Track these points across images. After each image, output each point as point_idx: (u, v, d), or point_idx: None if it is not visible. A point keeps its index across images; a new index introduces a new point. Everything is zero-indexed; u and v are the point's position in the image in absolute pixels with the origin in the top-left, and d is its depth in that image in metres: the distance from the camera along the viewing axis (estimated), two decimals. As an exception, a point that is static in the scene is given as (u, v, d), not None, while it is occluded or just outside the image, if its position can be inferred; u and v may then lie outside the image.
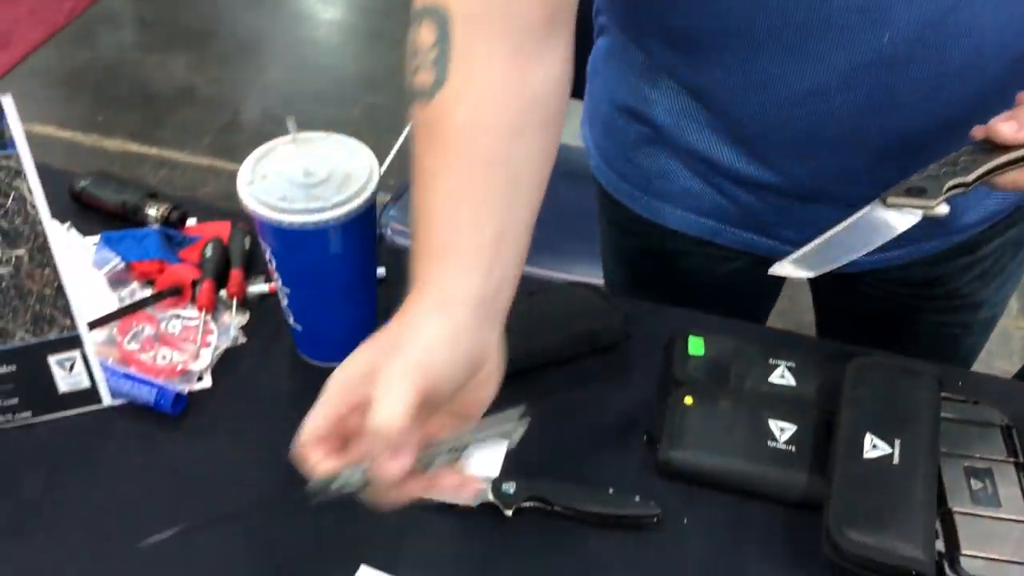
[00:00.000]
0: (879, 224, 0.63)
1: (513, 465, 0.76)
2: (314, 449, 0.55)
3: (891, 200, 0.63)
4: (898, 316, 0.95)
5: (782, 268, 0.61)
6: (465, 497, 0.67)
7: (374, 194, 0.74)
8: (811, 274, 0.63)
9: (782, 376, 0.80)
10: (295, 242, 0.72)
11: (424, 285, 0.56)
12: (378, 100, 2.60)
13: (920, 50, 0.64)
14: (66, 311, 0.75)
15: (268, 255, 0.76)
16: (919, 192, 0.63)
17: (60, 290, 0.75)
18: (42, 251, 0.73)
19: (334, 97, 2.66)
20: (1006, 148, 0.62)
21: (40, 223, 0.72)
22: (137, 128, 2.51)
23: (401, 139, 2.37)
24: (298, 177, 0.72)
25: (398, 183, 1.55)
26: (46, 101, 2.62)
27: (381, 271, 0.92)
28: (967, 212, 0.81)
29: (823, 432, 0.75)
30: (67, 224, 0.93)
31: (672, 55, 0.76)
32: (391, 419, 0.50)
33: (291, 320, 0.81)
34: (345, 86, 2.74)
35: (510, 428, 0.58)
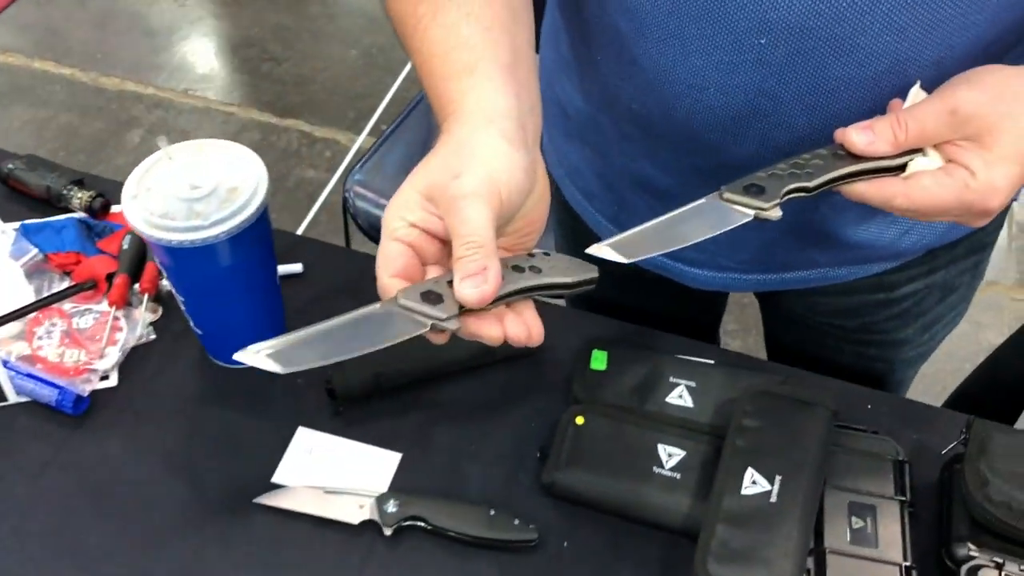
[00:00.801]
0: (708, 217, 0.59)
1: (403, 479, 0.77)
2: (389, 279, 0.52)
3: (727, 195, 0.59)
4: (824, 342, 0.93)
5: (599, 250, 0.59)
6: (535, 338, 0.55)
7: (263, 205, 0.73)
8: (626, 260, 0.58)
9: (680, 397, 0.79)
10: (182, 258, 0.72)
11: (460, 107, 0.55)
12: (379, 40, 2.57)
13: (799, 59, 0.60)
14: (-36, 312, 0.76)
15: (158, 262, 0.75)
16: (757, 191, 0.59)
17: (-44, 293, 0.75)
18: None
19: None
20: (858, 158, 0.59)
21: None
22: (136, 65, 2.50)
23: (391, 92, 2.36)
24: (182, 191, 0.71)
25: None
26: (46, 35, 2.61)
27: (298, 267, 0.91)
28: (864, 242, 0.77)
29: (713, 460, 0.74)
30: (-12, 211, 0.93)
31: (576, 36, 0.73)
32: (480, 228, 0.49)
33: (192, 325, 0.81)
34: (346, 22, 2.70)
35: (575, 269, 0.55)
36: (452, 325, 0.50)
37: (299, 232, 2.09)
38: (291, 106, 2.38)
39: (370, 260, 0.98)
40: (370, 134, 2.29)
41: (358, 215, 1.45)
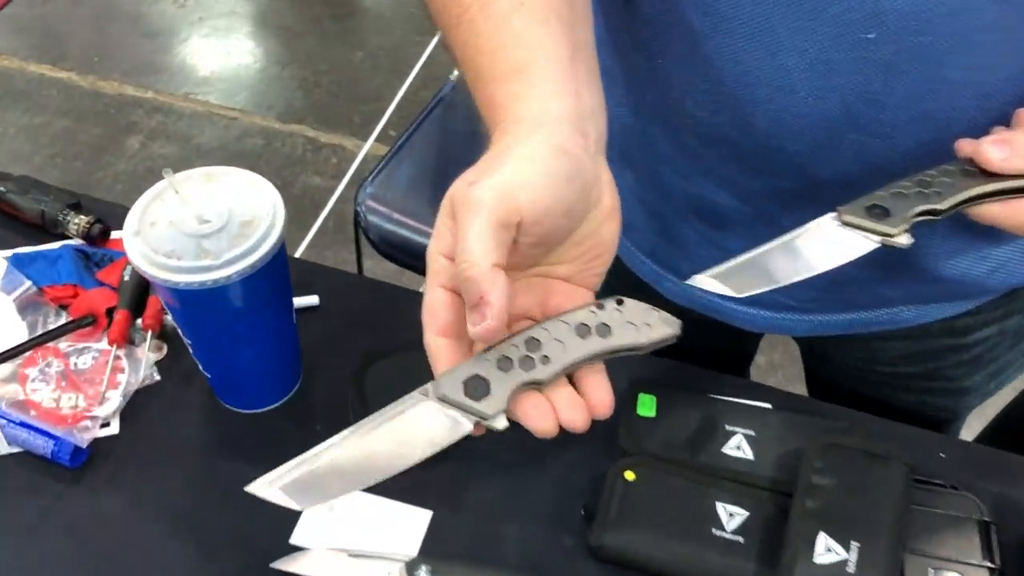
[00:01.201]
0: (826, 244, 0.52)
1: (434, 540, 0.70)
2: (434, 338, 0.45)
3: (847, 217, 0.51)
4: (878, 387, 0.85)
5: (702, 281, 0.52)
6: (600, 412, 0.48)
7: (279, 240, 0.66)
8: (734, 294, 0.52)
9: (738, 447, 0.71)
10: (190, 300, 0.65)
11: (510, 114, 0.47)
12: (385, 42, 2.49)
13: (911, 57, 0.52)
14: (-51, 358, 0.69)
15: (163, 302, 0.68)
16: (881, 214, 0.51)
17: (-60, 338, 0.68)
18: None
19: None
20: (991, 175, 0.51)
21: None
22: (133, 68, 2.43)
23: (399, 95, 2.29)
24: (190, 226, 0.64)
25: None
26: (42, 37, 2.54)
27: (313, 299, 0.84)
28: (948, 278, 0.69)
29: (778, 520, 0.67)
30: (-23, 238, 0.86)
31: (624, 41, 0.65)
32: (471, 245, 0.42)
33: (200, 367, 0.74)
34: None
35: (652, 324, 0.47)
36: (498, 425, 0.43)
37: (307, 240, 2.02)
38: (295, 111, 2.31)
39: (389, 290, 0.92)
40: (377, 140, 2.22)
41: (370, 230, 1.38)
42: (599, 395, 0.46)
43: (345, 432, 0.44)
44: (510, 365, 0.44)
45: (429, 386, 0.45)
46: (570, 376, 0.46)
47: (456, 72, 1.59)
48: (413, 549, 0.69)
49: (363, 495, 0.72)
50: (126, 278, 0.82)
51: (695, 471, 0.70)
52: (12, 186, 0.89)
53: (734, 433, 0.72)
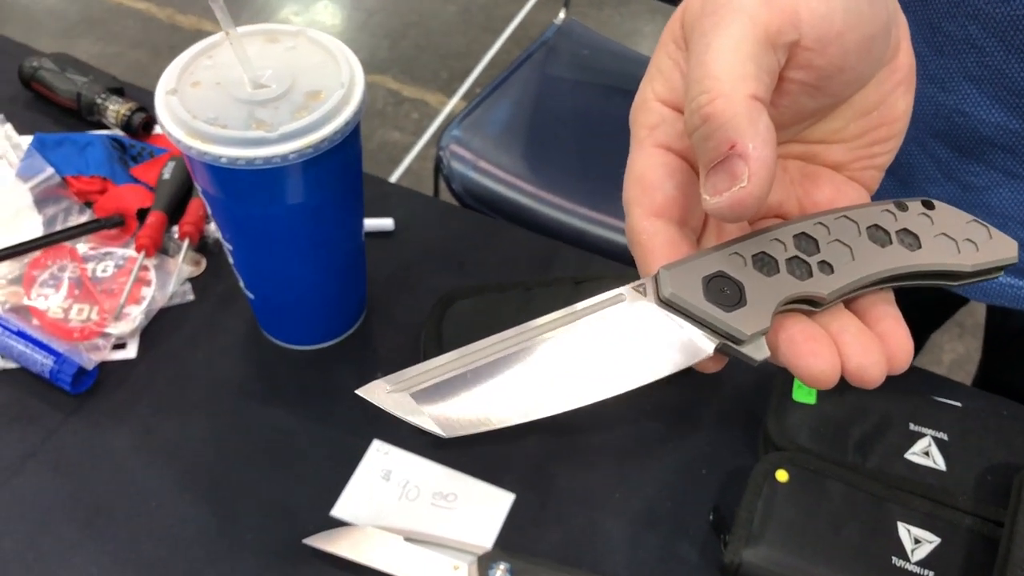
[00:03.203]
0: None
1: (514, 532, 0.54)
2: (648, 220, 0.30)
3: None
4: None
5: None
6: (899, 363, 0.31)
7: (354, 120, 0.50)
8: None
9: (926, 454, 0.54)
10: (234, 184, 0.50)
11: None
12: (478, -2, 2.33)
13: None
14: (-68, 242, 0.55)
15: (200, 191, 0.53)
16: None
17: (-78, 213, 0.54)
18: None
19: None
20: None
21: None
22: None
23: (491, 53, 2.12)
24: (241, 88, 0.49)
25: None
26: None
27: (387, 223, 0.69)
28: None
29: (980, 552, 0.49)
30: (0, 118, 0.72)
31: None
32: (721, 62, 0.26)
33: (241, 285, 0.59)
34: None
35: (979, 242, 0.31)
36: (757, 355, 0.27)
37: (376, 198, 1.88)
38: (379, 61, 2.17)
39: (475, 220, 0.76)
40: (463, 98, 2.06)
41: (452, 178, 1.22)
42: (896, 337, 0.29)
43: (508, 332, 0.28)
44: (774, 268, 0.28)
45: (646, 281, 0.28)
46: (847, 304, 0.30)
47: (563, 14, 1.43)
48: (488, 540, 0.53)
49: (427, 463, 0.56)
50: (165, 176, 0.68)
51: (868, 478, 0.53)
52: (48, 62, 0.76)
53: (921, 435, 0.55)
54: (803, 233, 0.29)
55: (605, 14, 2.23)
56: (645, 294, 0.28)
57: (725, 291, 0.27)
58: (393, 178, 1.91)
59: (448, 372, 0.26)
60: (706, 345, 0.27)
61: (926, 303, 0.75)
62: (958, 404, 0.57)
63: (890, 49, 0.30)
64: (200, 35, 2.23)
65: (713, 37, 0.26)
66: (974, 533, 0.51)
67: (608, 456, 0.57)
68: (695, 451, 0.57)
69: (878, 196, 0.59)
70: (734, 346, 0.27)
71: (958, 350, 1.58)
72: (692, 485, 0.56)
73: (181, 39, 2.21)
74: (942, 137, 0.53)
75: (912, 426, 0.55)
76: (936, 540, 0.50)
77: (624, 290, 0.28)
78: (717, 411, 0.59)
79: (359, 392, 0.26)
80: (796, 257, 0.28)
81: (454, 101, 2.06)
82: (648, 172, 0.29)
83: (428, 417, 0.26)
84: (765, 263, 0.28)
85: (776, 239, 0.29)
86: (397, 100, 2.07)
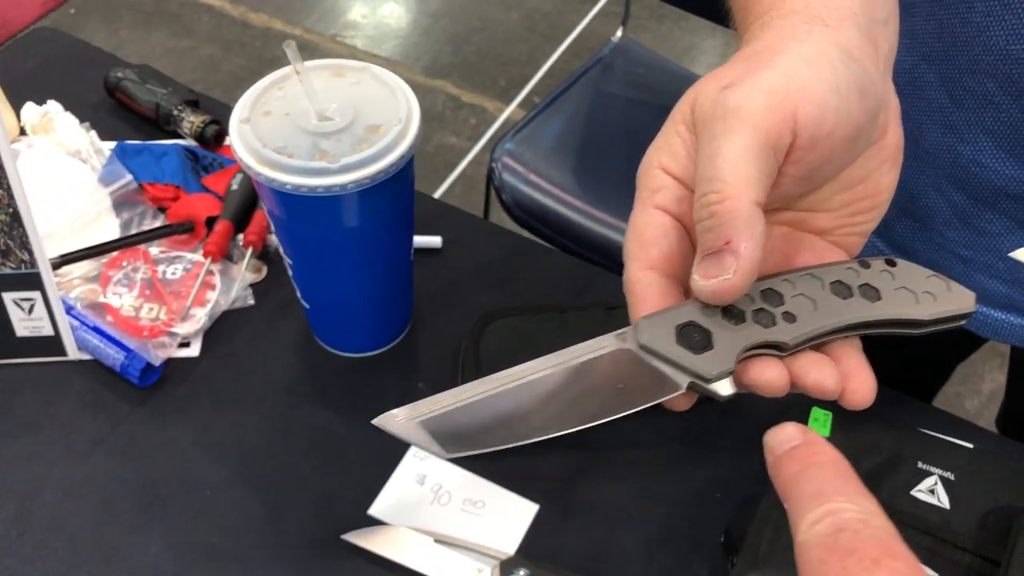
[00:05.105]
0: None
1: (537, 541, 0.58)
2: (642, 272, 0.35)
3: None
4: None
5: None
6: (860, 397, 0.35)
7: (409, 153, 0.55)
8: None
9: (932, 492, 0.57)
10: (297, 208, 0.54)
11: (775, 5, 0.36)
12: (543, 5, 2.37)
13: None
14: (23, 243, 0.61)
15: (265, 210, 0.58)
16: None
17: (16, 217, 0.60)
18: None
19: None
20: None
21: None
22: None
23: (550, 61, 2.17)
24: (308, 121, 0.54)
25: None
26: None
27: (436, 240, 0.73)
28: None
29: (976, 591, 0.52)
30: (85, 125, 0.78)
31: None
32: (729, 166, 0.30)
33: (298, 295, 0.64)
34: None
35: (937, 294, 0.34)
36: (723, 391, 0.31)
37: (431, 201, 1.93)
38: (441, 66, 2.22)
39: (520, 242, 0.80)
40: (520, 105, 2.11)
41: (503, 190, 1.27)
42: (858, 373, 0.33)
43: (509, 371, 0.32)
44: (740, 318, 0.32)
45: (628, 331, 0.33)
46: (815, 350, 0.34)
47: (620, 32, 1.46)
48: (511, 546, 0.57)
49: (459, 471, 0.60)
50: (234, 187, 0.73)
51: (874, 512, 0.56)
52: (131, 74, 0.81)
53: (929, 473, 0.57)
54: (770, 288, 0.33)
55: (665, 28, 2.26)
56: (626, 341, 0.32)
57: (695, 337, 0.31)
58: (447, 182, 1.96)
59: (449, 405, 0.31)
60: (679, 382, 0.31)
61: (950, 337, 0.77)
62: (969, 446, 0.60)
63: (877, 131, 0.34)
64: (270, 33, 2.31)
65: (723, 142, 0.30)
66: (972, 571, 0.53)
67: (629, 474, 0.61)
68: (712, 475, 0.61)
69: (898, 237, 0.62)
70: (703, 384, 0.31)
71: (999, 380, 1.59)
72: (707, 507, 0.59)
73: (251, 36, 2.29)
74: (959, 184, 0.56)
75: (920, 464, 0.58)
76: None
77: (608, 338, 0.33)
78: (735, 439, 0.63)
79: (375, 422, 0.31)
80: (762, 309, 0.32)
81: (511, 108, 2.11)
82: (647, 230, 0.33)
83: (430, 440, 0.30)
84: (734, 314, 0.32)
85: (746, 294, 0.32)
86: (456, 105, 2.12)
